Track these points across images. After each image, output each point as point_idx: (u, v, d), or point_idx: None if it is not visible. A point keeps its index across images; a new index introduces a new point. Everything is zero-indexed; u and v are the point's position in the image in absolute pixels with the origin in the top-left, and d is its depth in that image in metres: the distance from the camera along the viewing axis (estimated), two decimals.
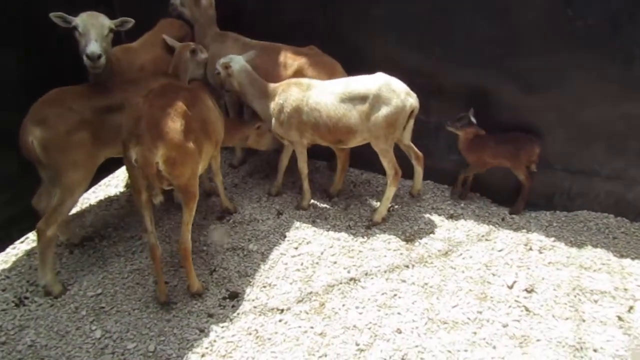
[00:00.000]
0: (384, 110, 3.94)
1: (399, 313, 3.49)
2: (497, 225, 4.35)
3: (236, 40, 4.59)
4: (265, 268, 3.93)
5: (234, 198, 4.74)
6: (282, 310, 3.54)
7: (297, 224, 4.43)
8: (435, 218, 4.48)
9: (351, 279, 3.81)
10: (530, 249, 4.08)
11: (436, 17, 4.22)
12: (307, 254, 4.07)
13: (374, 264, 3.96)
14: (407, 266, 3.94)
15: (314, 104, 4.05)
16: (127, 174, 4.96)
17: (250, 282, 3.79)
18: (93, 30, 3.50)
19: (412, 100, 4.00)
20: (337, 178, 4.72)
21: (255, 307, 3.58)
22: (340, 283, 3.77)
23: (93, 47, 3.44)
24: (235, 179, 5.11)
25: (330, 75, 4.33)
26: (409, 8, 4.27)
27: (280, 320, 3.46)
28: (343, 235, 4.28)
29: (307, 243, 4.20)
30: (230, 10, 4.54)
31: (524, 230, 4.27)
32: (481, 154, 4.39)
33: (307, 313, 3.52)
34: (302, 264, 3.96)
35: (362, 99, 3.98)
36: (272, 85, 4.23)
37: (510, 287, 3.69)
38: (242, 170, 5.25)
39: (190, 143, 3.28)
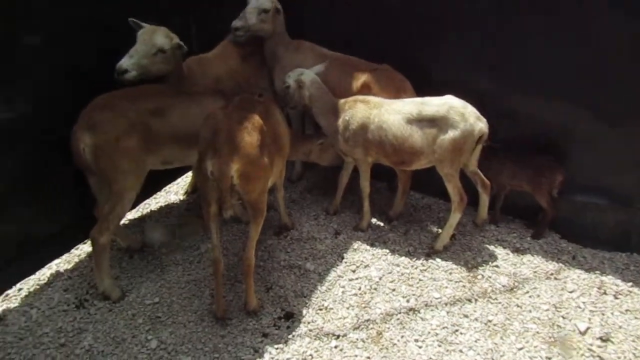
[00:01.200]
0: (451, 134, 3.80)
1: (460, 351, 3.32)
2: (567, 264, 4.10)
3: (312, 50, 4.56)
4: (322, 289, 3.83)
5: (292, 214, 4.68)
6: (338, 337, 3.43)
7: (355, 245, 4.32)
8: (499, 250, 4.26)
9: (410, 309, 3.66)
10: (605, 292, 3.80)
11: (513, 42, 4.05)
12: (365, 278, 3.95)
13: (434, 294, 3.80)
14: (470, 300, 3.75)
15: (381, 122, 3.96)
16: (188, 182, 5.03)
17: (306, 303, 3.70)
18: (139, 45, 3.56)
19: (481, 124, 3.83)
20: (397, 200, 4.58)
21: (310, 330, 3.48)
22: (399, 312, 3.63)
23: (122, 60, 3.49)
24: (293, 194, 5.06)
25: (398, 92, 4.22)
26: (484, 31, 4.11)
27: (335, 347, 3.35)
28: (402, 261, 4.14)
29: (365, 267, 4.09)
30: (296, 30, 4.51)
31: (598, 272, 3.99)
32: (498, 175, 4.34)
33: (364, 342, 3.39)
34: (359, 289, 3.85)
35: (429, 120, 3.85)
36: (339, 101, 4.16)
37: (583, 334, 3.44)
38: (299, 186, 5.20)
39: (264, 158, 3.25)
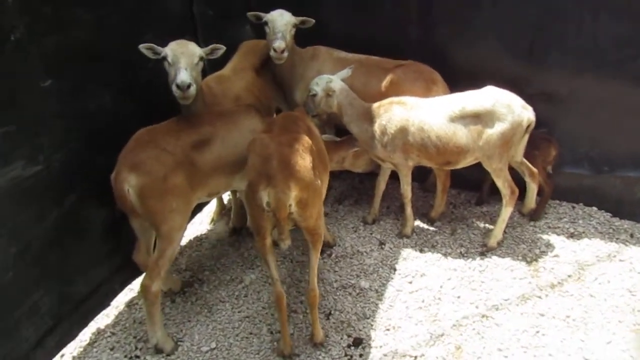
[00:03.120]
0: (498, 127, 3.60)
1: (550, 354, 3.13)
2: (627, 243, 3.96)
3: (329, 55, 4.31)
4: (383, 308, 3.61)
5: (329, 229, 4.44)
6: (416, 357, 3.22)
7: (404, 254, 4.10)
8: (554, 238, 4.10)
9: (482, 316, 3.47)
10: None
11: (548, 19, 3.86)
12: (426, 288, 3.74)
13: (502, 296, 3.61)
14: (540, 297, 3.58)
15: (421, 123, 3.74)
16: (213, 210, 4.75)
17: (371, 325, 3.47)
18: (183, 58, 3.23)
19: (528, 114, 3.65)
20: (438, 200, 4.38)
21: (385, 354, 3.26)
22: (472, 321, 3.43)
23: (183, 75, 3.16)
24: (325, 207, 4.81)
25: (428, 84, 4.02)
26: (516, 11, 3.92)
27: None
28: (458, 264, 3.94)
29: (422, 276, 3.87)
30: (315, 26, 4.23)
31: None
32: None
33: (445, 359, 3.19)
34: (423, 301, 3.64)
35: (474, 116, 3.65)
36: (372, 106, 3.92)
37: None
38: (329, 197, 4.95)
39: (318, 180, 3.00)
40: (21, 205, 2.82)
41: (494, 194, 4.48)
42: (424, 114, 3.74)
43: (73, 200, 3.17)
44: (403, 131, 3.79)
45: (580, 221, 4.23)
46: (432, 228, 4.38)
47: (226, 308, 3.73)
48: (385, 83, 4.07)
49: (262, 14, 4.06)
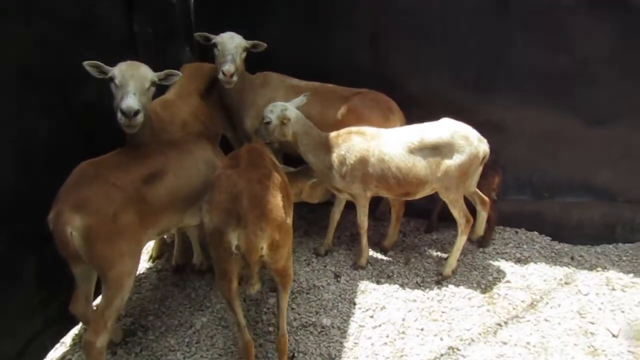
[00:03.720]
0: (457, 159, 3.64)
1: None
2: (569, 266, 4.16)
3: (281, 82, 4.14)
4: (349, 346, 3.45)
5: None
6: None
7: (362, 286, 3.99)
8: (503, 264, 4.21)
9: (449, 347, 3.43)
10: (614, 288, 3.90)
11: (493, 51, 4.01)
12: (388, 322, 3.64)
13: (464, 325, 3.61)
14: (499, 324, 3.62)
15: (381, 154, 3.68)
16: (151, 246, 4.34)
17: None
18: (132, 82, 2.91)
19: (484, 146, 3.73)
20: (391, 229, 4.33)
21: None
22: (440, 355, 3.38)
23: (130, 101, 2.83)
24: None
25: (387, 114, 4.00)
26: (463, 43, 4.03)
27: None
28: (416, 294, 3.90)
29: (382, 309, 3.77)
30: (265, 53, 4.06)
31: (599, 269, 4.10)
32: None
33: None
34: (387, 336, 3.53)
35: (433, 148, 3.66)
36: (329, 135, 3.80)
37: (616, 336, 3.48)
38: None
39: (289, 219, 2.80)
40: None
41: (441, 221, 4.59)
42: (384, 144, 3.69)
43: (2, 245, 2.69)
44: (363, 162, 3.70)
45: (525, 246, 4.40)
46: (385, 258, 4.32)
47: (177, 358, 3.36)
48: (342, 111, 3.99)
49: (210, 36, 3.84)
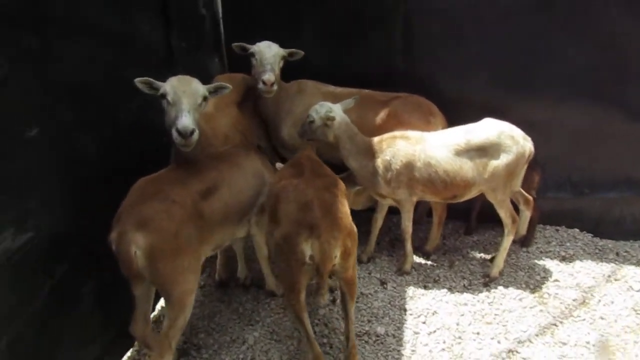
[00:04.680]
0: (504, 159, 3.61)
1: None
2: (616, 262, 4.12)
3: (317, 89, 4.10)
4: (407, 354, 3.39)
5: None
6: None
7: (410, 292, 3.94)
8: (549, 263, 4.17)
9: (509, 351, 3.38)
10: None
11: (531, 48, 3.99)
12: (443, 327, 3.59)
13: (519, 327, 3.56)
14: (555, 324, 3.58)
15: (428, 158, 3.64)
16: None
17: None
18: (185, 99, 2.83)
19: (529, 144, 3.70)
20: (433, 233, 4.29)
21: None
22: (501, 358, 3.34)
23: (185, 120, 2.76)
24: None
25: (428, 117, 3.96)
26: (499, 41, 4.01)
27: None
28: (466, 298, 3.85)
29: (434, 314, 3.73)
30: (297, 61, 4.01)
31: None
32: None
33: None
34: (444, 342, 3.48)
35: (479, 149, 3.62)
36: (373, 140, 3.76)
37: None
38: None
39: (354, 226, 2.76)
40: (12, 285, 2.27)
41: (480, 222, 4.56)
42: (430, 148, 3.65)
43: (63, 271, 2.63)
44: (409, 166, 3.66)
45: (568, 243, 4.36)
46: (429, 262, 4.27)
47: None
48: (382, 116, 3.95)
49: (247, 45, 3.81)
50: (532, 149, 3.71)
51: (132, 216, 2.60)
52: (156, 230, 2.59)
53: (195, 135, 2.85)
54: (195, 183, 2.93)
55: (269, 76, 3.67)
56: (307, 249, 2.52)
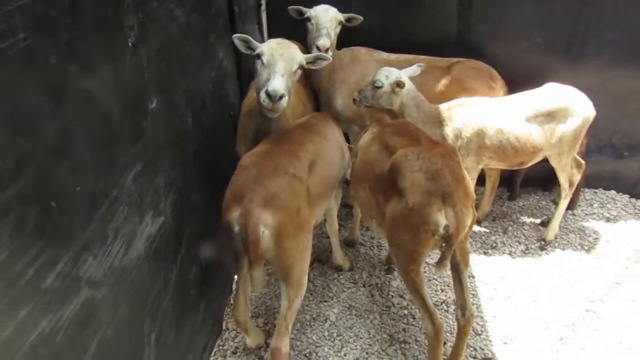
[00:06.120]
0: (571, 124, 3.64)
1: None
2: None
3: (371, 56, 3.95)
4: (489, 320, 3.42)
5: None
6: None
7: (472, 259, 3.94)
8: (595, 224, 4.31)
9: (586, 310, 3.48)
10: None
11: (585, 11, 4.01)
12: (516, 293, 3.64)
13: (586, 287, 3.68)
14: (618, 283, 3.72)
15: (499, 125, 3.61)
16: None
17: (489, 340, 3.27)
18: (281, 62, 2.69)
19: (592, 108, 3.75)
20: (485, 200, 4.31)
21: None
22: (582, 318, 3.42)
23: (277, 83, 2.62)
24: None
25: (489, 82, 3.91)
26: (553, 5, 4.00)
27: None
28: (528, 262, 3.92)
29: (502, 279, 3.78)
30: (348, 28, 3.83)
31: None
32: None
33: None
34: (522, 306, 3.53)
35: (548, 114, 3.63)
36: (439, 108, 3.67)
37: None
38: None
39: None
40: (154, 274, 2.05)
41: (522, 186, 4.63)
42: (500, 115, 3.62)
43: (182, 254, 2.42)
44: (480, 134, 3.62)
45: (609, 205, 4.52)
46: (482, 229, 4.31)
47: (327, 353, 3.21)
48: (444, 82, 3.87)
49: (304, 9, 3.61)
50: (594, 112, 3.77)
51: (257, 194, 2.41)
52: (283, 207, 2.43)
53: (284, 101, 2.70)
54: (305, 155, 2.78)
55: (324, 41, 3.49)
56: (441, 218, 2.45)
